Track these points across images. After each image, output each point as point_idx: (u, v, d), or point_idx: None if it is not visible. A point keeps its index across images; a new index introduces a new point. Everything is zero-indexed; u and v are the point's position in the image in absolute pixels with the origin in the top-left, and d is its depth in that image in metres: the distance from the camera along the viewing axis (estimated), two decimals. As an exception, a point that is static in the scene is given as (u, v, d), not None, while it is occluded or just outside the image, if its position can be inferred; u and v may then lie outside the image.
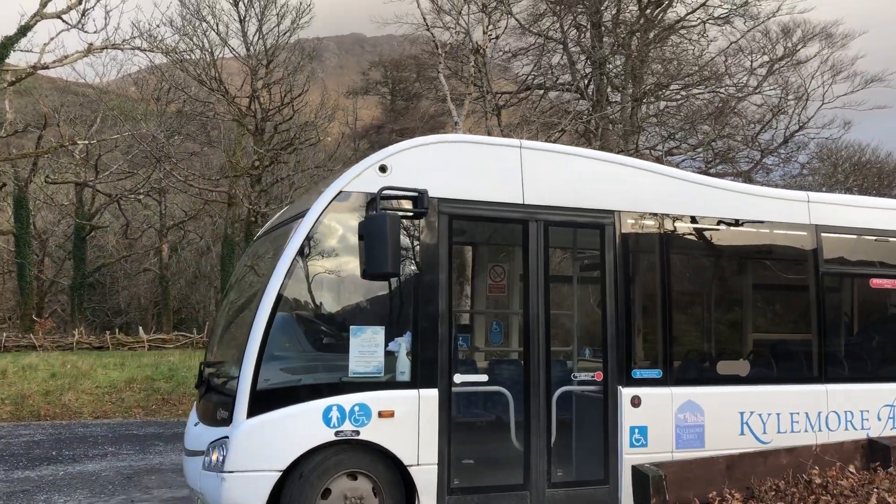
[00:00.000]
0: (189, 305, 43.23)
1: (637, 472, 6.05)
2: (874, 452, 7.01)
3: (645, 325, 8.21)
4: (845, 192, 31.63)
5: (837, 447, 6.88)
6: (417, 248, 7.19)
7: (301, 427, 6.64)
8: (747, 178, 28.15)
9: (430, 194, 7.20)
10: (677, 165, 26.99)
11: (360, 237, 6.86)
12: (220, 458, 6.58)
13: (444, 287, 7.26)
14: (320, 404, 6.70)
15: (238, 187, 32.54)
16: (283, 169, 33.47)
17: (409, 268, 7.15)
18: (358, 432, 6.76)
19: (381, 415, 6.84)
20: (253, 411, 6.57)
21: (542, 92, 29.39)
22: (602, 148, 22.85)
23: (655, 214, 8.21)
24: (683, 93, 28.29)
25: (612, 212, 7.99)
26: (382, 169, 7.19)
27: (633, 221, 8.09)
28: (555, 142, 22.25)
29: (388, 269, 6.71)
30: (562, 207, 7.82)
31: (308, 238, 6.87)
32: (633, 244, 8.08)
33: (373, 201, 7.00)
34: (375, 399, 6.85)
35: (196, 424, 7.42)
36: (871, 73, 32.21)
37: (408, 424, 6.94)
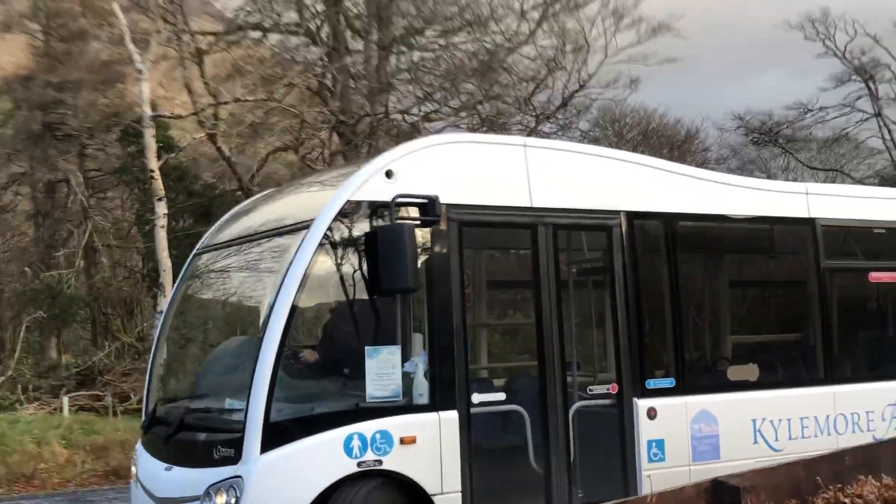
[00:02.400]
0: None
1: None
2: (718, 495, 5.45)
3: (656, 331, 8.16)
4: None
5: (676, 494, 5.83)
6: (429, 258, 6.95)
7: (323, 459, 6.30)
8: (521, 147, 25.02)
9: (442, 200, 6.97)
10: (439, 133, 22.56)
11: (373, 250, 6.58)
12: (233, 499, 6.17)
13: (457, 300, 7.03)
14: (340, 433, 6.36)
15: None
16: None
17: (421, 280, 6.90)
18: (381, 461, 6.46)
19: (402, 441, 6.55)
20: (268, 446, 6.18)
21: (259, 34, 23.60)
22: (342, 109, 20.82)
23: (662, 214, 8.17)
24: (442, 41, 23.27)
25: (618, 212, 7.92)
26: (388, 174, 6.90)
27: (639, 222, 8.03)
28: (280, 98, 19.72)
29: (408, 283, 6.45)
30: (569, 209, 7.71)
31: (315, 252, 6.53)
32: (640, 246, 8.00)
33: (382, 210, 6.72)
34: (396, 425, 6.56)
35: (168, 468, 6.97)
36: (658, 20, 25.89)
37: (430, 450, 6.69)
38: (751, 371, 8.53)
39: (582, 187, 7.83)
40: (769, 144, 37.80)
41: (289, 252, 6.66)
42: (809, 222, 8.93)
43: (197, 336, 7.89)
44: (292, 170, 23.80)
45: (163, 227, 16.73)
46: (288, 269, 6.48)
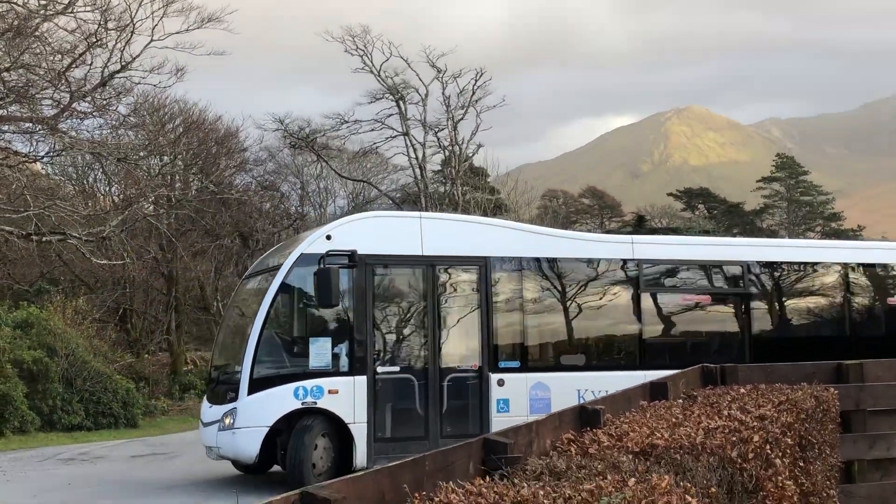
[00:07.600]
0: None
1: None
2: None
3: (509, 332, 13.34)
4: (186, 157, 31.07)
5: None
6: (352, 287, 12.34)
7: (281, 399, 11.79)
8: (53, 126, 23.27)
9: (359, 252, 12.33)
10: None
11: (314, 282, 12.01)
12: (232, 420, 11.73)
13: (370, 311, 12.40)
14: (292, 386, 11.83)
15: None
16: None
17: (346, 300, 12.29)
18: (315, 403, 11.89)
19: (330, 392, 11.96)
20: (251, 391, 11.73)
21: None
22: None
23: (514, 258, 13.36)
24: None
25: (484, 258, 13.12)
26: (328, 237, 12.33)
27: (499, 263, 13.24)
28: None
29: (332, 302, 11.88)
30: (449, 256, 12.98)
31: (281, 283, 12.04)
32: (499, 279, 13.22)
33: (323, 258, 12.14)
34: (327, 382, 11.98)
35: (210, 406, 12.59)
36: (210, 11, 26.30)
37: (348, 398, 12.07)
38: (578, 358, 13.63)
39: (459, 242, 13.09)
40: (305, 150, 40.40)
41: (270, 281, 12.23)
42: (635, 260, 13.96)
43: (232, 328, 13.65)
44: None
45: None
46: (267, 291, 12.04)
